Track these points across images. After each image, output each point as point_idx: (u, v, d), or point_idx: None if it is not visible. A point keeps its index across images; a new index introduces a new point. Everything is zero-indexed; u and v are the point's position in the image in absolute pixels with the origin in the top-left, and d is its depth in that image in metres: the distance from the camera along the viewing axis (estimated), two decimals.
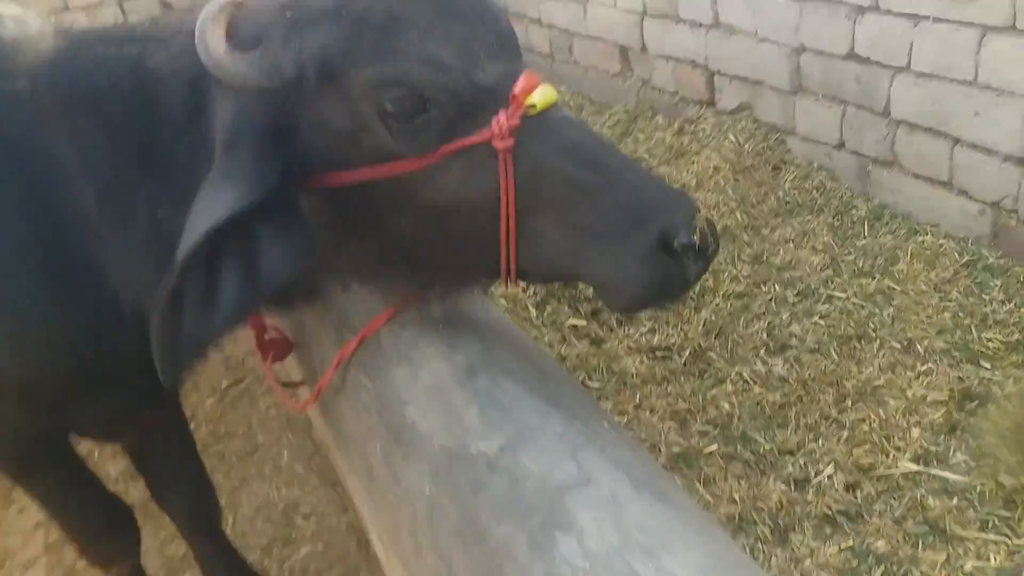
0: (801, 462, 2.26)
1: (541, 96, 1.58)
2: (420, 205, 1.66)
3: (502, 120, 1.56)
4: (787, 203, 3.43)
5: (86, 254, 1.85)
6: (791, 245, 3.15)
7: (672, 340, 2.75)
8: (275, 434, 3.83)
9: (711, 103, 4.28)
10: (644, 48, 4.68)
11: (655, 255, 1.53)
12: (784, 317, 2.78)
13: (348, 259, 1.86)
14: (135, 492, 2.93)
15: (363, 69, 1.54)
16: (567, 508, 1.35)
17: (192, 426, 3.84)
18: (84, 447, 3.49)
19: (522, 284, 2.96)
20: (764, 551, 2.04)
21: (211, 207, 1.51)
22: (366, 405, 1.99)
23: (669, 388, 2.58)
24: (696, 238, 1.51)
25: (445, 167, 1.61)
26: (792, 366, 2.57)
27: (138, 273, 1.81)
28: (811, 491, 2.18)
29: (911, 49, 3.00)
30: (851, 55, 3.29)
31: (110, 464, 3.52)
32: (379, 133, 1.58)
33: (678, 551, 1.24)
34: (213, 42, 1.57)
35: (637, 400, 2.53)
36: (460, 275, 1.84)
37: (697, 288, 2.95)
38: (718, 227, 3.04)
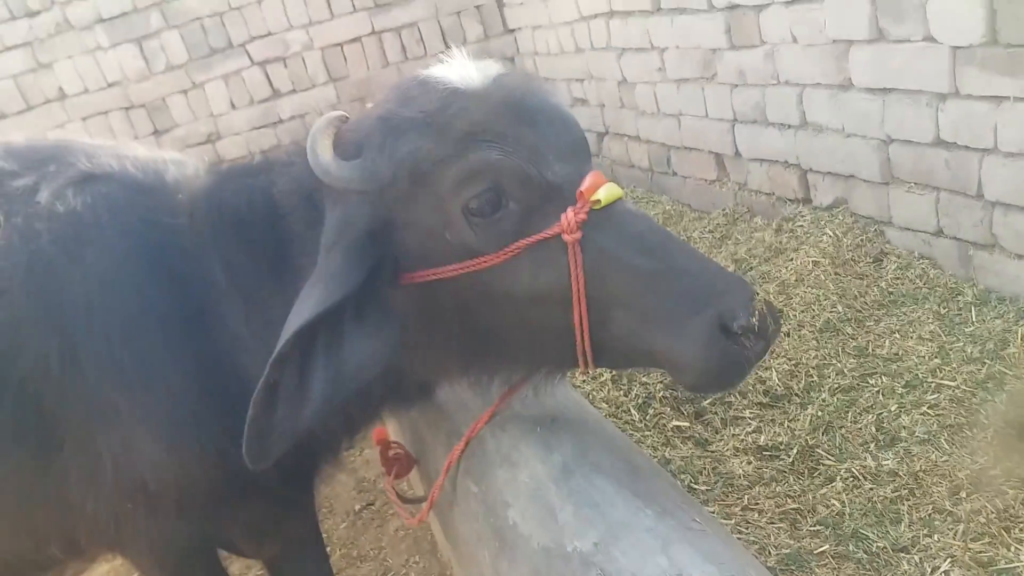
0: (916, 559, 2.19)
1: (606, 192, 1.74)
2: (499, 297, 1.82)
3: (570, 215, 1.72)
4: (890, 294, 3.40)
5: (236, 364, 2.10)
6: (897, 336, 3.12)
7: (780, 439, 2.74)
8: (403, 556, 3.95)
9: (807, 200, 4.33)
10: (737, 153, 4.81)
11: (716, 337, 1.64)
12: (892, 409, 2.74)
13: (434, 354, 2.01)
14: None
15: (449, 168, 1.74)
16: None
17: (328, 550, 4.02)
18: (235, 568, 3.70)
19: (624, 387, 3.04)
20: None
21: (303, 306, 1.71)
22: (474, 512, 2.10)
23: (777, 488, 2.56)
24: (755, 320, 1.62)
25: (520, 260, 1.77)
26: (903, 459, 2.51)
27: None
28: None
29: (996, 130, 3.01)
30: (938, 141, 3.31)
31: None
32: (463, 230, 1.76)
33: None
34: (321, 151, 1.83)
35: (745, 502, 2.53)
36: (541, 362, 1.97)
37: (803, 384, 2.95)
38: (820, 320, 3.07)
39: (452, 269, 1.80)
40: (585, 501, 1.74)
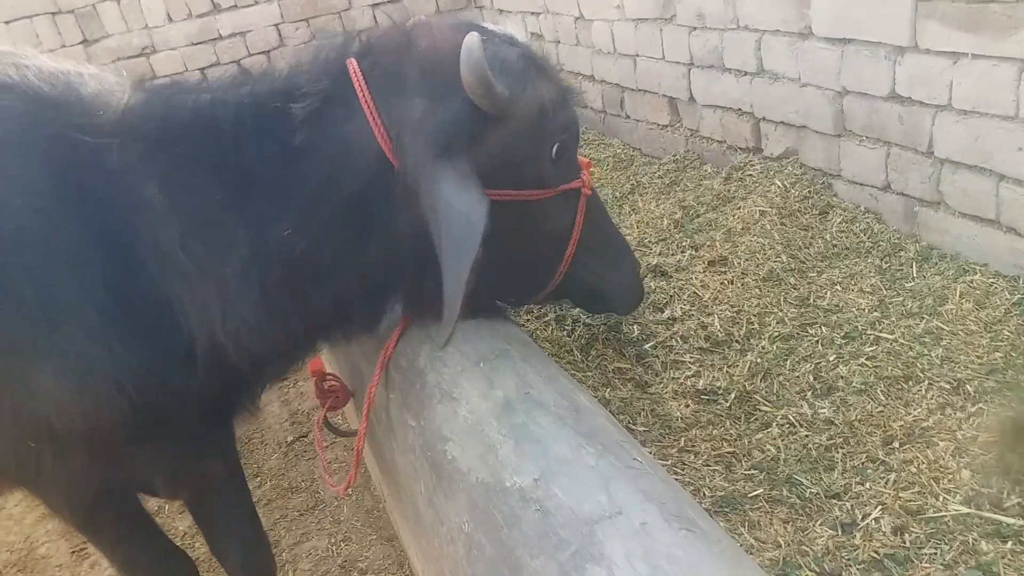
0: (848, 505, 2.22)
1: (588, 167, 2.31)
2: (531, 226, 2.16)
3: (586, 176, 2.25)
4: (834, 246, 3.42)
5: (160, 291, 1.97)
6: (838, 288, 3.14)
7: (718, 383, 2.74)
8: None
9: (758, 150, 4.31)
10: (692, 98, 4.76)
11: (637, 275, 2.54)
12: (831, 359, 2.76)
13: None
14: (202, 548, 3.01)
15: (563, 113, 2.09)
16: (598, 540, 1.38)
17: (257, 481, 3.96)
18: (154, 502, 3.62)
19: (567, 328, 3.01)
20: None
21: (473, 203, 1.83)
22: (412, 445, 2.05)
23: (713, 431, 2.57)
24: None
25: (556, 200, 2.15)
26: (839, 408, 2.54)
27: (227, 301, 1.96)
28: (858, 535, 2.14)
29: (951, 87, 3.01)
30: (893, 95, 3.30)
31: (178, 519, 3.63)
32: (543, 165, 2.08)
33: None
34: (480, 65, 1.83)
35: (681, 444, 2.53)
36: (519, 289, 2.40)
37: (743, 331, 2.95)
38: (764, 269, 3.08)
39: (513, 194, 2.05)
40: (526, 437, 1.70)
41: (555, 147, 2.07)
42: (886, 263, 3.24)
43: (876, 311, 2.95)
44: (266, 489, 3.97)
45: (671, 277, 3.32)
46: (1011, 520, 2.07)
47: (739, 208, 3.79)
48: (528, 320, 3.17)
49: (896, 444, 2.36)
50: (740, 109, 4.37)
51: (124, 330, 1.96)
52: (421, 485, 1.99)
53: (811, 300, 3.10)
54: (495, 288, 2.28)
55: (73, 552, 3.87)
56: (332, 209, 1.99)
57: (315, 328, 2.20)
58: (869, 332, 2.84)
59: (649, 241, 3.74)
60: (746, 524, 2.21)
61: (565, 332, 3.02)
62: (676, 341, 2.93)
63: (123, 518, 2.39)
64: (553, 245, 2.24)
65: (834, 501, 2.24)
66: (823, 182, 3.85)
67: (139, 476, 2.27)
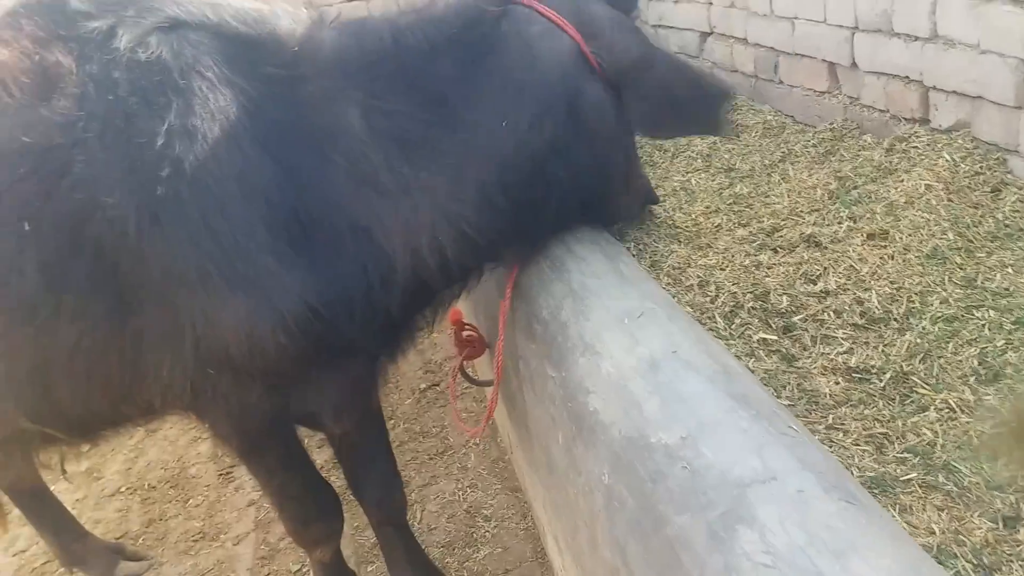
0: (1012, 499, 2.06)
1: None
2: (618, 156, 2.51)
3: None
4: (1006, 226, 3.16)
5: (356, 221, 2.06)
6: (1009, 270, 2.90)
7: (872, 362, 2.59)
8: (464, 437, 4.00)
9: (924, 120, 4.04)
10: (854, 64, 4.50)
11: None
12: (999, 344, 2.56)
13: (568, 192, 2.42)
14: (336, 482, 3.12)
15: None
16: (749, 502, 1.34)
17: (391, 423, 4.09)
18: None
19: (711, 294, 2.93)
20: None
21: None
22: (551, 395, 2.05)
23: (865, 411, 2.43)
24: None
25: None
26: (1005, 396, 2.36)
27: (440, 211, 2.11)
28: (1023, 531, 1.99)
29: None
30: None
31: (315, 454, 3.78)
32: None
33: (868, 556, 1.20)
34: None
35: (829, 421, 2.42)
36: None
37: (903, 309, 2.79)
38: (928, 246, 2.91)
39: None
40: (673, 396, 1.66)
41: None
42: None
43: None
44: (399, 431, 4.10)
45: (825, 248, 3.16)
46: None
47: (902, 181, 3.56)
48: (668, 285, 3.10)
49: None
50: (907, 77, 4.09)
51: (316, 258, 2.02)
52: (559, 435, 1.98)
53: (979, 281, 2.88)
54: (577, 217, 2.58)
55: (220, 475, 4.12)
56: (531, 113, 2.16)
57: (509, 234, 2.32)
58: None
59: (801, 211, 3.57)
60: (897, 507, 2.09)
61: (708, 298, 2.93)
62: (828, 315, 2.79)
63: (284, 448, 2.49)
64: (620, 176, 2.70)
65: (996, 493, 2.09)
66: (997, 157, 3.56)
67: (309, 407, 2.34)
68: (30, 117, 1.97)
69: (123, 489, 4.21)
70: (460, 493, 3.66)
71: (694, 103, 2.36)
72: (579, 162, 2.30)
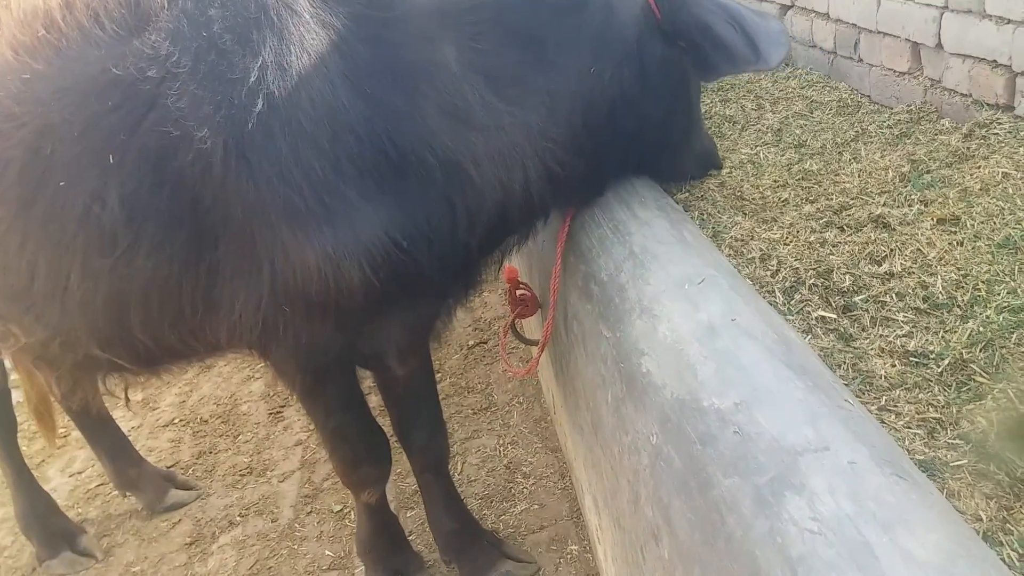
0: None
1: None
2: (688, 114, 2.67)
3: None
4: None
5: (448, 157, 2.11)
6: None
7: (931, 347, 2.54)
8: (508, 395, 4.04)
9: (1009, 108, 3.89)
10: (939, 45, 4.35)
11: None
12: None
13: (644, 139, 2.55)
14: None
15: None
16: (800, 470, 1.33)
17: (438, 376, 4.14)
18: None
19: (771, 268, 2.89)
20: None
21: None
22: (604, 355, 2.05)
23: (920, 395, 2.38)
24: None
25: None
26: None
27: (533, 146, 2.21)
28: None
29: None
30: None
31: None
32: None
33: (917, 530, 1.18)
34: None
35: (882, 402, 2.38)
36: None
37: (968, 296, 2.72)
38: (1001, 235, 2.82)
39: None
40: (730, 362, 1.64)
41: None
42: None
43: None
44: (445, 385, 4.15)
45: (894, 230, 3.09)
46: None
47: (978, 167, 3.45)
48: (729, 256, 3.06)
49: None
50: (995, 61, 3.94)
51: (405, 193, 2.04)
52: (608, 395, 1.99)
53: None
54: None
55: (270, 413, 4.22)
56: (612, 63, 2.29)
57: (584, 177, 2.43)
58: None
59: (871, 191, 3.48)
60: (944, 492, 2.06)
61: (768, 272, 2.89)
62: (891, 297, 2.74)
63: (344, 389, 2.52)
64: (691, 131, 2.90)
65: None
66: None
67: (376, 346, 2.38)
68: (121, 50, 2.01)
69: (176, 421, 4.34)
70: (501, 449, 3.70)
71: (743, 34, 2.39)
72: (646, 113, 2.40)
